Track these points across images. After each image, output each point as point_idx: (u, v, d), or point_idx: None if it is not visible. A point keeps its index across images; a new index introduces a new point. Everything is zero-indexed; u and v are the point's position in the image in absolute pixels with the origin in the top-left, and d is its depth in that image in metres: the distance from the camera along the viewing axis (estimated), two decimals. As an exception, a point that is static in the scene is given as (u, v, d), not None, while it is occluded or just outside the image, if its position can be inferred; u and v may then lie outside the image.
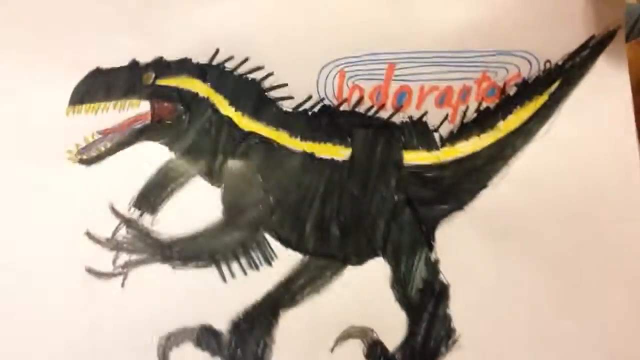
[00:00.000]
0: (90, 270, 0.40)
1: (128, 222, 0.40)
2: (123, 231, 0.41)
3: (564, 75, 0.43)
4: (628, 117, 0.42)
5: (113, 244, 0.40)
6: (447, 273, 0.42)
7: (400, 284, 0.41)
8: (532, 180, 0.42)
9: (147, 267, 0.41)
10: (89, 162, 0.42)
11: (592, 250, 0.41)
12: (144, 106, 0.42)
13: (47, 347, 0.40)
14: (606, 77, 0.43)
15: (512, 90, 0.43)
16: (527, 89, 0.43)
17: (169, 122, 0.43)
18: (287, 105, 0.43)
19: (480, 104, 0.44)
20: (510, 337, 0.40)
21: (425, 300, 0.41)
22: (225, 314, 0.41)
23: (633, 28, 0.45)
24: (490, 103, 0.44)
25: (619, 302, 0.40)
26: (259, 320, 0.41)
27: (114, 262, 0.40)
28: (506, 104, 0.44)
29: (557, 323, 0.41)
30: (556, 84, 0.43)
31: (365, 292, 0.41)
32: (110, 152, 0.42)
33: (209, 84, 0.43)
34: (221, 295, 0.41)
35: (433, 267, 0.41)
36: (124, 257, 0.40)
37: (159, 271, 0.41)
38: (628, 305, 0.40)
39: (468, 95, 0.43)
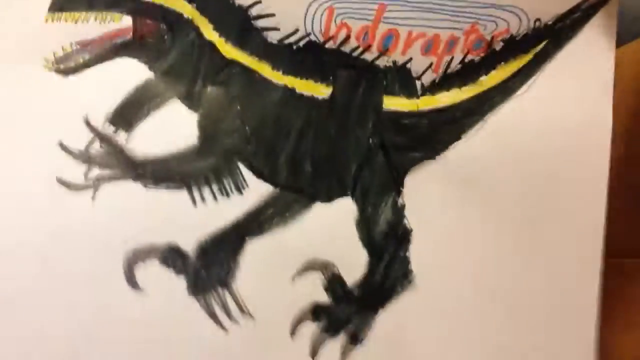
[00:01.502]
0: (60, 181, 0.40)
1: (102, 137, 0.41)
2: (97, 145, 0.40)
3: (552, 36, 0.44)
4: (607, 84, 0.45)
5: (85, 157, 0.42)
6: (412, 218, 0.44)
7: (365, 224, 0.44)
8: (505, 136, 0.44)
9: (118, 183, 0.42)
10: (66, 72, 0.43)
11: (552, 207, 0.44)
12: (126, 21, 0.42)
13: (13, 256, 0.41)
14: (593, 43, 0.44)
15: (498, 46, 0.45)
16: (513, 46, 0.45)
17: (150, 40, 0.44)
18: (272, 37, 0.44)
19: (465, 56, 0.45)
20: (464, 282, 0.44)
21: (388, 242, 0.44)
22: (192, 236, 0.43)
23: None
24: (475, 56, 0.45)
25: (570, 257, 0.44)
26: (225, 244, 0.43)
27: (86, 175, 0.40)
28: (491, 59, 0.45)
29: (509, 272, 0.44)
30: (543, 44, 0.44)
31: (331, 228, 0.44)
32: (89, 64, 0.43)
33: (194, 4, 0.44)
34: (190, 218, 0.43)
35: (399, 212, 0.44)
36: (95, 172, 0.40)
37: (130, 189, 0.43)
38: (578, 261, 0.43)
39: (455, 45, 0.45)
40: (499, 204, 0.44)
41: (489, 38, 0.44)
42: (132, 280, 0.42)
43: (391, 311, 0.44)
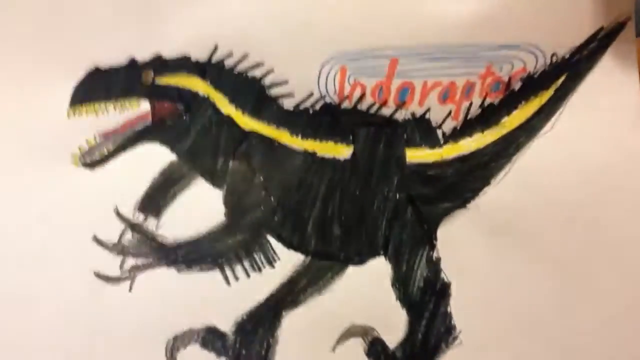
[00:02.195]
0: (98, 275, 0.41)
1: (133, 227, 0.43)
2: (129, 235, 0.41)
3: (570, 69, 0.44)
4: (636, 112, 0.44)
5: (119, 249, 0.43)
6: (448, 271, 0.44)
7: (401, 282, 0.43)
8: (536, 178, 0.44)
9: (153, 271, 0.43)
10: (92, 165, 0.45)
11: (595, 249, 0.43)
12: (144, 106, 0.43)
13: (57, 352, 0.42)
14: (614, 71, 0.44)
15: (517, 85, 0.45)
16: (532, 84, 0.44)
17: (169, 122, 0.45)
18: (288, 103, 0.45)
19: (484, 99, 0.45)
20: (510, 334, 0.43)
21: (426, 299, 0.43)
22: (229, 316, 0.43)
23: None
24: (494, 98, 0.45)
25: (620, 302, 0.42)
26: (263, 320, 0.43)
27: (121, 266, 0.41)
28: (511, 99, 0.45)
29: (557, 322, 0.43)
30: (562, 78, 0.44)
31: (367, 291, 0.44)
32: (113, 154, 0.45)
33: (208, 81, 0.45)
34: (225, 297, 0.43)
35: (434, 266, 0.43)
36: (130, 262, 0.41)
37: (165, 275, 0.44)
38: (630, 306, 0.42)
39: (472, 90, 0.45)
40: (538, 248, 0.44)
41: (506, 79, 0.43)
42: None
43: None
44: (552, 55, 0.43)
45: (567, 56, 0.43)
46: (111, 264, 0.43)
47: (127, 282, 0.43)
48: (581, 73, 0.44)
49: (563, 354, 0.42)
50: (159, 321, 0.42)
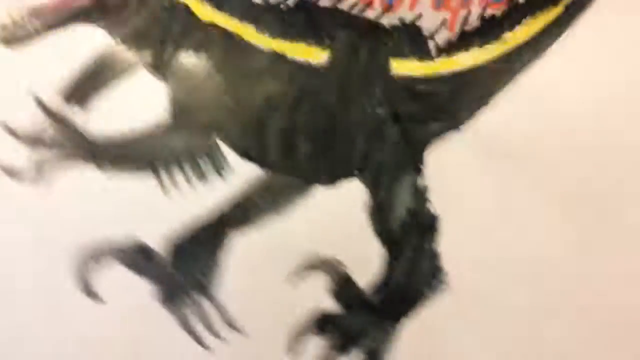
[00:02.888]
0: (2, 167, 0.32)
1: (53, 115, 0.36)
2: (46, 125, 0.35)
3: None
4: None
5: (32, 139, 0.36)
6: (437, 202, 0.37)
7: (379, 212, 0.37)
8: (541, 100, 0.39)
9: (71, 168, 0.36)
10: (12, 43, 0.38)
11: (600, 178, 0.37)
12: (84, -16, 0.35)
13: None
14: None
15: None
16: None
17: (112, 3, 0.39)
18: None
19: (484, 9, 0.40)
20: (509, 280, 0.36)
21: (409, 233, 0.37)
22: (163, 232, 0.36)
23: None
24: (496, 10, 0.40)
25: (631, 232, 0.36)
26: (204, 240, 0.36)
27: (31, 159, 0.33)
28: (515, 13, 0.40)
29: (568, 267, 0.36)
30: None
31: (336, 218, 0.37)
32: (39, 33, 0.38)
33: None
34: (160, 209, 0.36)
35: (420, 195, 0.37)
36: (43, 154, 0.32)
37: (86, 175, 0.36)
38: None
39: None
40: (545, 179, 0.37)
41: None
42: (88, 288, 0.35)
43: (419, 320, 0.35)
44: None
45: None
46: (19, 157, 0.33)
47: (35, 180, 0.33)
48: None
49: (577, 310, 0.34)
50: (73, 232, 0.35)
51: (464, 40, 0.39)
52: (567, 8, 0.40)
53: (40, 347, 0.34)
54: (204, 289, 0.35)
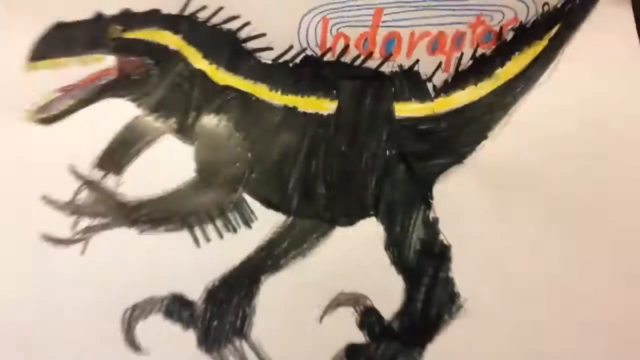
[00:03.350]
0: (46, 237, 0.35)
1: (90, 184, 0.37)
2: (84, 194, 0.36)
3: (564, 18, 0.43)
4: (633, 58, 0.42)
5: (72, 208, 0.38)
6: (448, 233, 0.40)
7: (395, 245, 0.39)
8: (535, 129, 0.41)
9: (111, 232, 0.38)
10: (48, 121, 0.42)
11: (605, 201, 0.40)
12: (109, 61, 0.38)
13: (8, 318, 0.37)
14: (609, 17, 0.43)
15: (509, 35, 0.43)
16: (525, 34, 0.43)
17: (136, 77, 0.42)
18: (266, 57, 0.43)
19: (475, 50, 0.43)
20: (521, 299, 0.38)
21: (424, 263, 0.39)
22: (199, 282, 0.38)
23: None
24: (486, 49, 0.43)
25: (631, 254, 0.38)
26: (238, 287, 0.39)
27: (74, 228, 0.35)
28: (504, 50, 0.43)
29: (573, 282, 0.38)
30: (556, 28, 0.43)
31: (357, 255, 0.39)
32: (72, 110, 0.42)
33: (180, 35, 0.43)
34: (194, 262, 0.39)
35: (432, 227, 0.40)
36: (85, 222, 0.35)
37: (125, 236, 0.39)
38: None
39: (462, 41, 0.43)
40: (543, 202, 0.40)
41: (497, 29, 0.42)
42: (133, 342, 0.36)
43: (442, 344, 0.38)
44: (544, 4, 0.42)
45: (559, 5, 0.43)
46: (62, 225, 0.36)
47: (80, 245, 0.36)
48: (575, 21, 0.43)
49: (583, 320, 0.36)
50: (116, 289, 0.37)
51: (459, 79, 0.42)
52: (550, 41, 0.42)
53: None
54: (240, 333, 0.37)
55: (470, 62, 0.42)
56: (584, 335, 0.36)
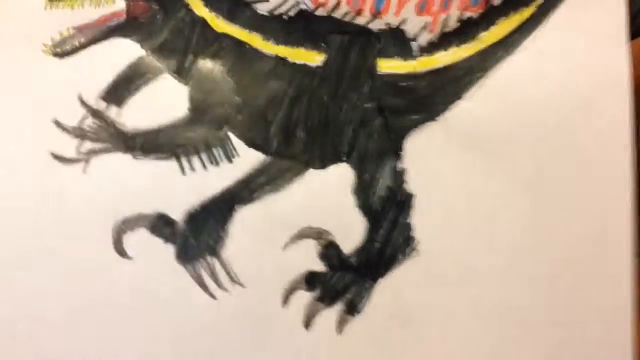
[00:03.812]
0: (54, 155, 0.53)
1: (94, 113, 0.55)
2: (89, 121, 0.54)
3: None
4: (620, 31, 0.53)
5: (78, 132, 0.54)
6: (414, 184, 0.53)
7: (363, 190, 0.53)
8: (510, 93, 0.54)
9: (109, 155, 0.55)
10: (62, 55, 0.57)
11: (568, 171, 0.52)
12: (120, 4, 0.56)
13: (14, 223, 0.55)
14: None
15: (497, 0, 0.54)
16: (513, 0, 0.54)
17: (143, 20, 0.57)
18: (263, 9, 0.57)
19: (462, 13, 0.55)
20: (471, 248, 0.52)
21: (388, 208, 0.53)
22: (182, 205, 0.54)
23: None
24: (473, 13, 0.55)
25: (587, 217, 0.51)
26: (215, 213, 0.54)
27: (78, 149, 0.53)
28: (490, 15, 0.55)
29: (525, 244, 0.52)
30: None
31: (326, 196, 0.54)
32: (83, 46, 0.57)
33: None
34: (179, 187, 0.55)
35: (399, 177, 0.53)
36: (88, 145, 0.54)
37: (121, 160, 0.56)
38: (597, 220, 0.51)
39: (450, 3, 0.55)
40: (506, 164, 0.53)
41: None
42: (120, 249, 0.53)
43: (392, 280, 0.52)
44: None
45: None
46: (69, 147, 0.55)
47: (83, 165, 0.55)
48: None
49: (526, 273, 0.51)
50: (111, 205, 0.54)
51: (444, 41, 0.55)
52: (538, 8, 0.55)
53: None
54: (213, 251, 0.55)
55: (457, 24, 0.54)
56: (521, 286, 0.51)
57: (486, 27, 0.55)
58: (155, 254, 0.53)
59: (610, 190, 0.51)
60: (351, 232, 0.53)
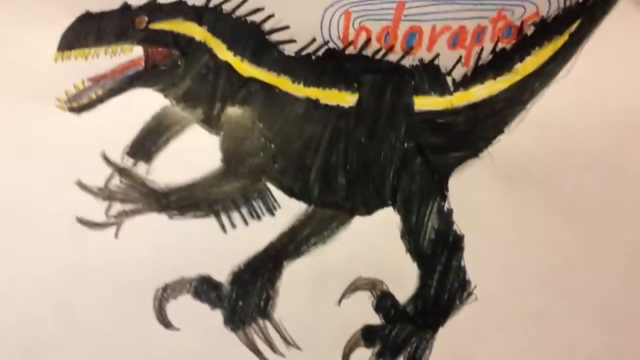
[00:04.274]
0: (81, 221, 0.47)
1: (121, 171, 0.49)
2: (116, 180, 0.48)
3: (585, 14, 0.52)
4: None
5: (106, 194, 0.49)
6: (462, 223, 0.50)
7: (411, 234, 0.50)
8: (552, 124, 0.52)
9: (142, 217, 0.50)
10: (79, 109, 0.52)
11: (618, 197, 0.50)
12: (137, 51, 0.50)
13: (34, 299, 0.50)
14: (630, 15, 0.52)
15: (530, 30, 0.52)
16: (546, 29, 0.52)
17: (163, 67, 0.52)
18: (289, 49, 0.53)
19: (495, 44, 0.52)
20: (529, 289, 0.49)
21: (438, 251, 0.50)
22: (225, 265, 0.50)
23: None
24: (506, 44, 0.53)
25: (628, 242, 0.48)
26: (262, 271, 0.50)
27: (107, 212, 0.47)
28: (524, 45, 0.52)
29: (581, 276, 0.49)
30: (577, 23, 0.52)
31: (374, 242, 0.51)
32: (101, 99, 0.53)
33: (205, 27, 0.53)
34: (221, 246, 0.50)
35: (446, 217, 0.50)
36: (117, 207, 0.48)
37: (155, 221, 0.51)
38: None
39: (483, 35, 0.52)
40: (557, 197, 0.51)
41: (518, 23, 0.52)
42: (164, 319, 0.48)
43: (452, 327, 0.49)
44: None
45: (581, 0, 0.51)
46: (96, 210, 0.49)
47: (113, 229, 0.49)
48: (597, 17, 0.51)
49: (589, 311, 0.48)
50: (148, 270, 0.49)
51: (479, 74, 0.52)
52: (570, 36, 0.53)
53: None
54: (264, 313, 0.50)
55: (490, 56, 0.52)
56: (582, 323, 0.48)
57: (521, 58, 0.52)
58: (201, 321, 0.49)
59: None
60: (404, 278, 0.50)
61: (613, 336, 0.48)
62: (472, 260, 0.50)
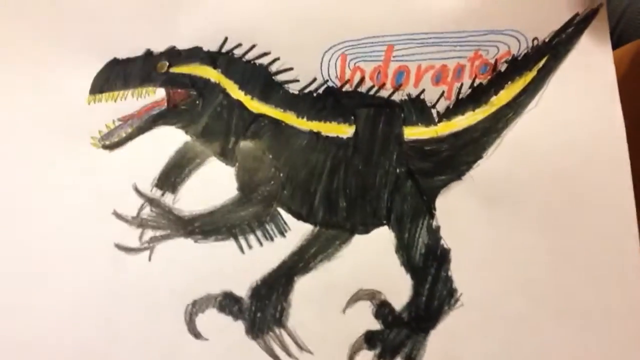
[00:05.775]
0: (119, 247, 0.47)
1: (151, 201, 0.50)
2: (147, 210, 0.48)
3: (551, 52, 0.54)
4: (612, 89, 0.54)
5: (139, 222, 0.49)
6: (448, 238, 0.52)
7: (404, 249, 0.52)
8: (523, 150, 0.53)
9: (171, 241, 0.50)
10: (111, 147, 0.53)
11: (580, 211, 0.52)
12: (160, 93, 0.50)
13: (81, 320, 0.51)
14: (590, 52, 0.54)
15: (503, 67, 0.54)
16: (517, 65, 0.54)
17: (183, 107, 0.53)
18: (293, 88, 0.54)
19: (474, 80, 0.54)
20: (508, 294, 0.51)
21: (428, 264, 0.52)
22: (244, 281, 0.52)
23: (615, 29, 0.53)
24: (483, 79, 0.54)
25: (603, 255, 0.51)
26: (276, 286, 0.52)
27: (140, 238, 0.48)
28: (498, 80, 0.54)
29: (551, 281, 0.51)
30: (544, 60, 0.54)
31: (373, 258, 0.52)
32: (130, 137, 0.53)
33: (219, 70, 0.54)
34: (240, 265, 0.52)
35: (434, 233, 0.52)
36: (149, 234, 0.48)
37: (182, 245, 0.52)
38: (612, 262, 0.50)
39: (462, 72, 0.54)
40: (528, 215, 0.52)
41: (492, 61, 0.53)
42: (194, 330, 0.49)
43: (442, 330, 0.51)
44: (534, 39, 0.53)
45: (547, 39, 0.53)
46: (131, 236, 0.49)
47: (147, 253, 0.49)
48: (561, 54, 0.53)
49: (557, 311, 0.50)
50: (178, 288, 0.50)
51: (460, 106, 0.54)
52: (539, 72, 0.54)
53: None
54: (279, 322, 0.51)
55: (469, 90, 0.53)
56: (557, 324, 0.49)
57: (495, 92, 0.54)
58: (226, 331, 0.51)
59: (615, 230, 0.51)
60: (399, 289, 0.51)
61: (584, 334, 0.49)
62: (458, 271, 0.52)
